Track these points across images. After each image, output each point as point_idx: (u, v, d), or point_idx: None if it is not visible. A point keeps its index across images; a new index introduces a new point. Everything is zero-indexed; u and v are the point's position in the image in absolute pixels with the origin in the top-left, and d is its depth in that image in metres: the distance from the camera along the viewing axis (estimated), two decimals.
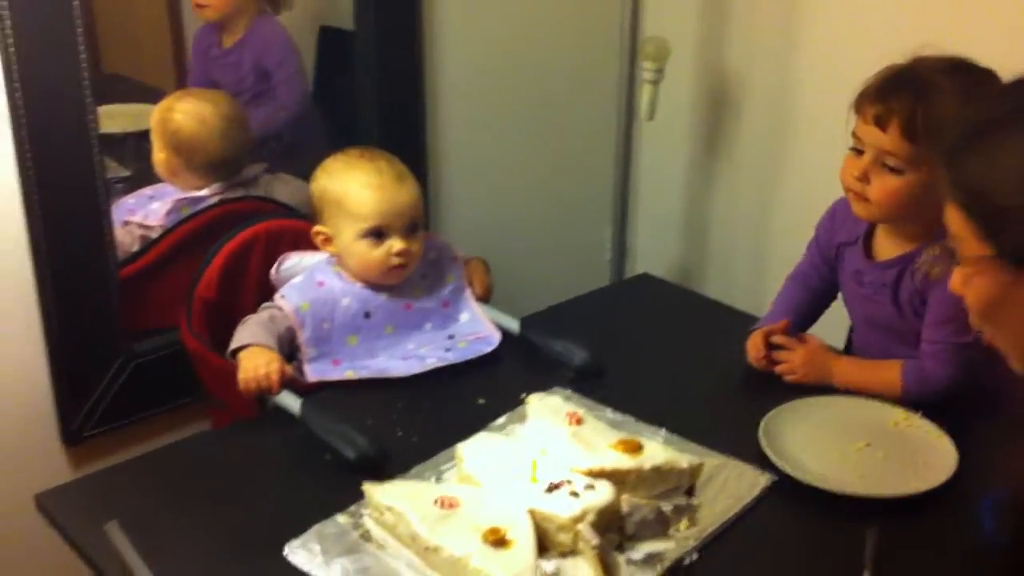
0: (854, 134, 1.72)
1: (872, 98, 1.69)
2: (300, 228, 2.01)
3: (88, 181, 1.88)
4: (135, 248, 2.09)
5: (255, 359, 1.74)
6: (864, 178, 1.70)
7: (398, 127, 2.33)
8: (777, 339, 1.83)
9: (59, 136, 1.83)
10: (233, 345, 1.78)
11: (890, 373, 1.75)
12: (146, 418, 2.05)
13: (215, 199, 2.15)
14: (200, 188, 2.15)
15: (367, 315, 1.87)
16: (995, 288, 1.15)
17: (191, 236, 2.11)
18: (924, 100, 1.63)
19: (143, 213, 2.14)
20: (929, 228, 1.68)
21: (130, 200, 2.18)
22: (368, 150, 1.92)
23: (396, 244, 1.85)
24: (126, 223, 2.10)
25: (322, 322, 1.83)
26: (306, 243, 1.96)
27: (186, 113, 2.13)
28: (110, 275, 1.95)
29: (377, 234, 1.84)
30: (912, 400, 1.72)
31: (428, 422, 1.71)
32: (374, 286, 1.88)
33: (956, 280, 1.22)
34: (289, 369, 1.76)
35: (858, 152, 1.71)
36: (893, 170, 1.67)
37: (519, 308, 2.02)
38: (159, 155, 2.15)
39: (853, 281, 1.84)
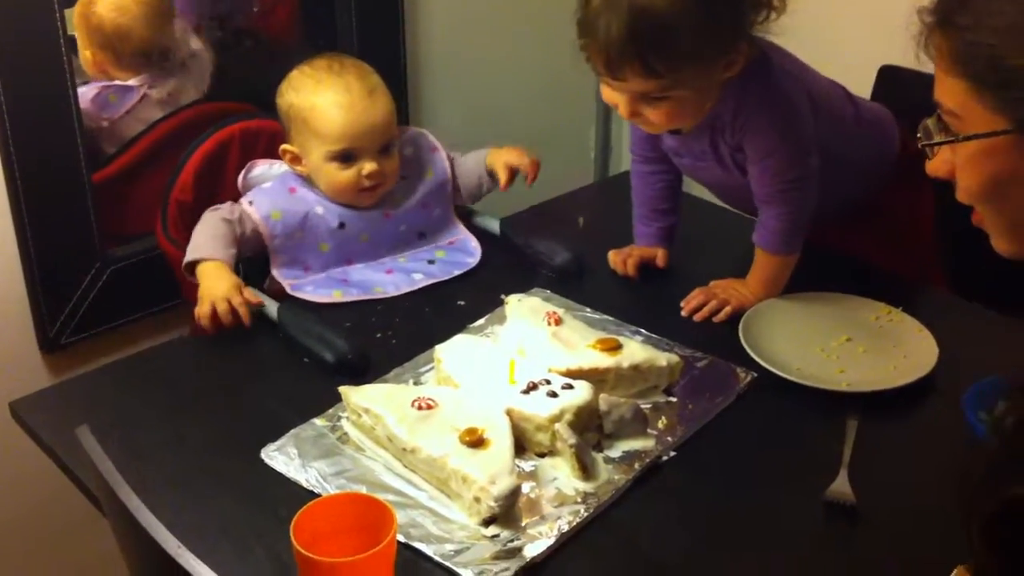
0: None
1: (591, 48, 1.53)
2: (277, 128, 1.96)
3: (58, 82, 1.83)
4: None
5: (216, 283, 1.65)
6: (634, 114, 1.59)
7: (378, 21, 2.27)
8: (692, 301, 1.72)
9: (26, 36, 1.77)
10: (189, 256, 1.71)
11: (762, 256, 1.72)
12: (124, 324, 2.03)
13: (144, 88, 2.09)
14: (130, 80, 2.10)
15: (341, 225, 1.80)
16: (1005, 165, 1.02)
17: (166, 138, 2.08)
18: (646, 37, 1.47)
19: None
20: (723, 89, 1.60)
21: None
22: (338, 59, 1.81)
23: (367, 166, 1.76)
24: None
25: (294, 231, 1.77)
26: (282, 143, 1.93)
27: (107, 5, 2.05)
28: (83, 179, 1.91)
29: (346, 157, 1.76)
30: (793, 249, 1.70)
31: (407, 324, 1.69)
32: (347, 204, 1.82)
33: (939, 164, 1.09)
34: (251, 294, 1.66)
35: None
36: (657, 99, 1.56)
37: (503, 208, 1.99)
38: (85, 53, 2.07)
39: (676, 157, 1.78)
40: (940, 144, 1.08)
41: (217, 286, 1.66)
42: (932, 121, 1.10)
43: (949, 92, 1.05)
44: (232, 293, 1.64)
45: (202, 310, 1.63)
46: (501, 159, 1.90)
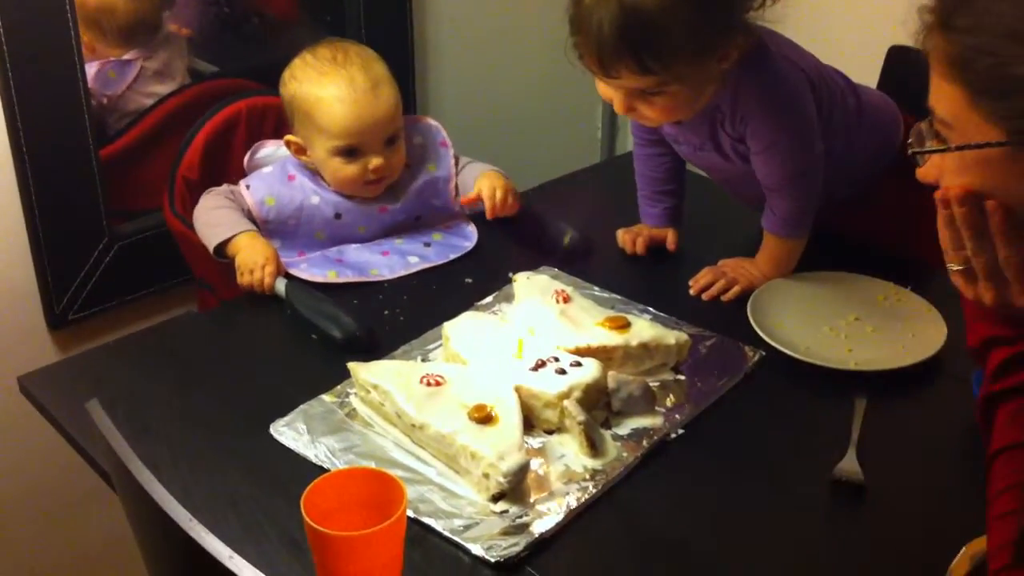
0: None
1: (583, 46, 1.51)
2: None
3: (66, 56, 1.83)
4: None
5: (253, 255, 1.68)
6: (629, 110, 1.58)
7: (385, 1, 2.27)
8: (702, 280, 1.72)
9: (35, 13, 1.77)
10: (220, 236, 1.71)
11: (770, 238, 1.72)
12: (131, 301, 2.04)
13: (140, 62, 2.08)
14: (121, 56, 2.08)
15: (338, 216, 1.80)
16: (995, 179, 0.97)
17: (172, 115, 2.07)
18: (638, 35, 1.45)
19: None
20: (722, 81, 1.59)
21: None
22: (342, 48, 1.78)
23: (373, 161, 1.75)
24: None
25: (288, 218, 1.77)
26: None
27: None
28: (91, 155, 1.91)
29: (351, 152, 1.74)
30: (802, 233, 1.70)
31: (415, 302, 1.69)
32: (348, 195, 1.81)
33: (930, 169, 1.04)
34: (281, 265, 1.71)
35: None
36: (652, 94, 1.55)
37: None
38: None
39: (675, 144, 1.78)
40: (931, 152, 1.04)
41: (253, 256, 1.68)
42: (925, 125, 1.05)
43: (943, 98, 1.00)
44: (268, 261, 1.67)
45: (243, 280, 1.67)
46: (479, 182, 1.85)
